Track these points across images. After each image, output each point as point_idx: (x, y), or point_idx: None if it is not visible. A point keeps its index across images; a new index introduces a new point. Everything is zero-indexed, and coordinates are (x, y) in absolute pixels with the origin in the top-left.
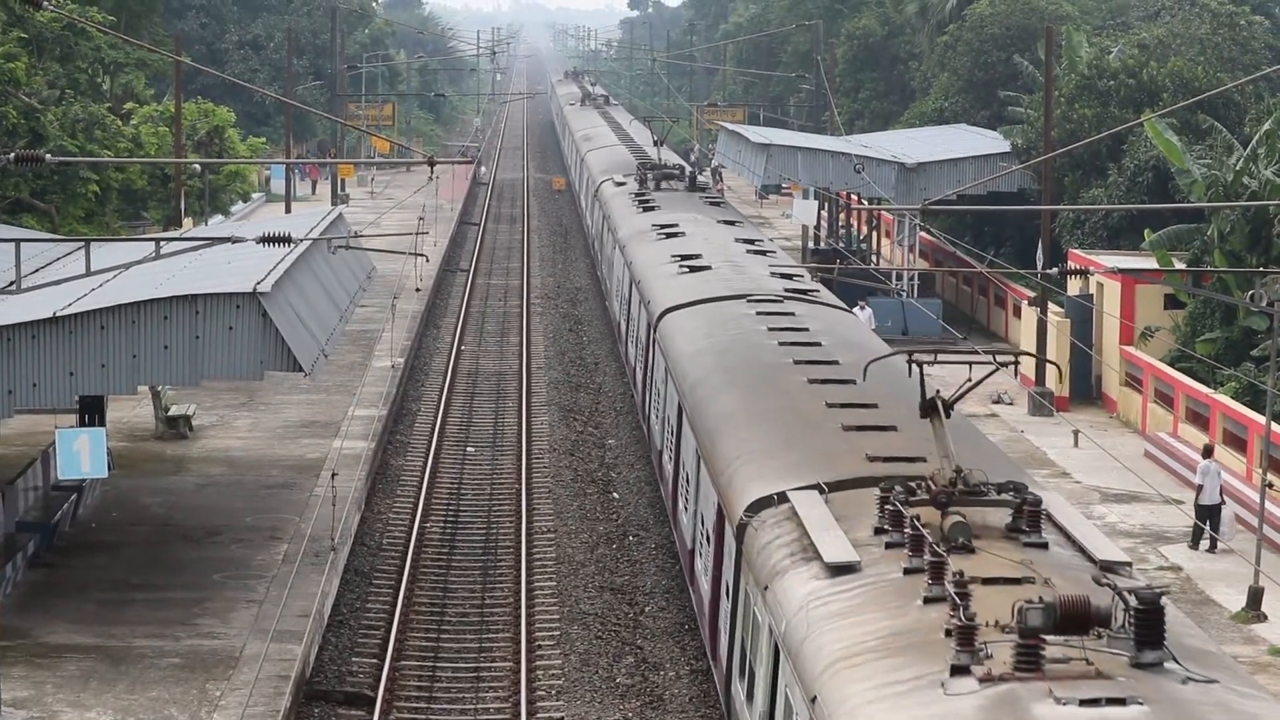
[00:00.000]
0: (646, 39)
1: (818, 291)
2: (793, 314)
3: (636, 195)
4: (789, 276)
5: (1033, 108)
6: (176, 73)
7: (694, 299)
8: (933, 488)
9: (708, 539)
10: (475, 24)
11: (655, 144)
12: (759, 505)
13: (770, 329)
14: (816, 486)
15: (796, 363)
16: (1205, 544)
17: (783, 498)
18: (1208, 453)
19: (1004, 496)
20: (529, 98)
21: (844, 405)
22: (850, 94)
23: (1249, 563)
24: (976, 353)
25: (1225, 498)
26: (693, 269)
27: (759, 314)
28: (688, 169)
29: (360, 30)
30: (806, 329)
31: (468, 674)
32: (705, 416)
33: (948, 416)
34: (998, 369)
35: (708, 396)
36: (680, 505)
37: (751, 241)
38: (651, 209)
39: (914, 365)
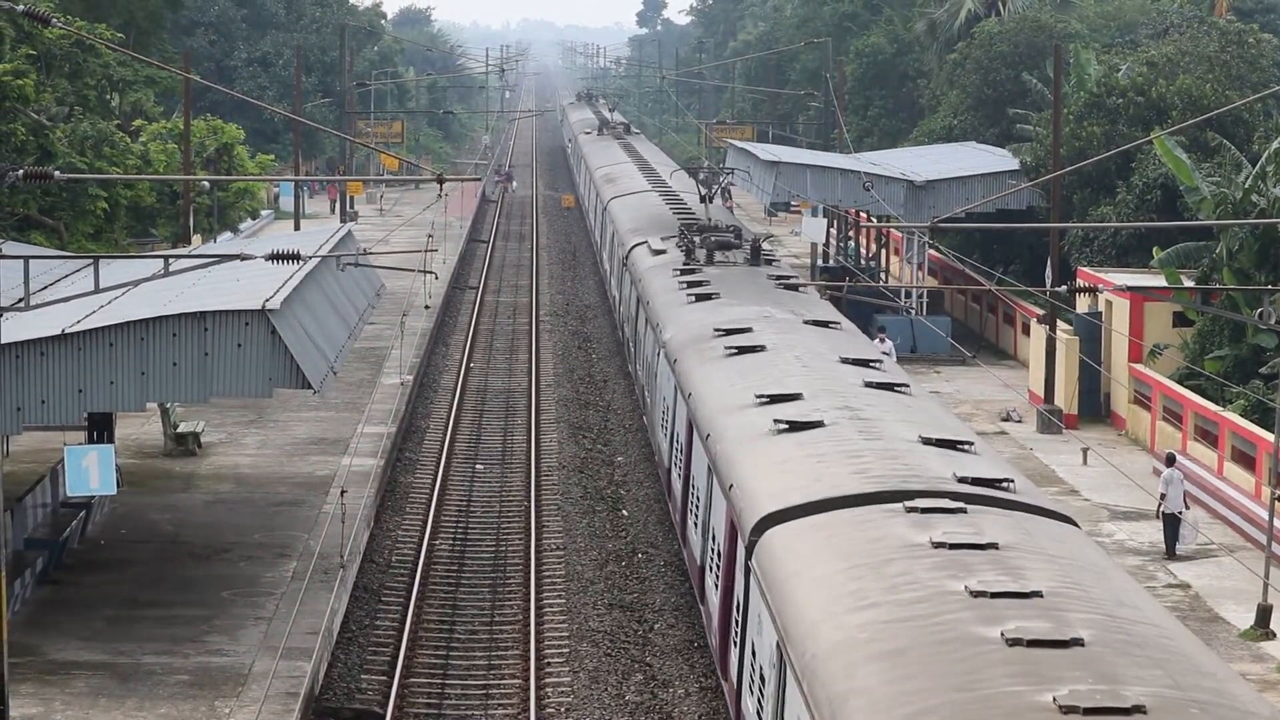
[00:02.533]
0: (655, 57)
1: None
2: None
3: (683, 272)
4: (955, 444)
5: (1041, 125)
6: (185, 90)
7: (810, 501)
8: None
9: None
10: (484, 41)
11: (703, 199)
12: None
13: (973, 594)
14: None
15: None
16: (1181, 548)
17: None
18: (1170, 461)
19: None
20: (538, 115)
21: None
22: (859, 111)
23: (1256, 575)
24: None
25: (1188, 503)
26: (793, 425)
27: (935, 548)
28: (746, 233)
29: (369, 48)
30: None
31: (477, 691)
32: None
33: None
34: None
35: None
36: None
37: (866, 363)
38: (707, 297)
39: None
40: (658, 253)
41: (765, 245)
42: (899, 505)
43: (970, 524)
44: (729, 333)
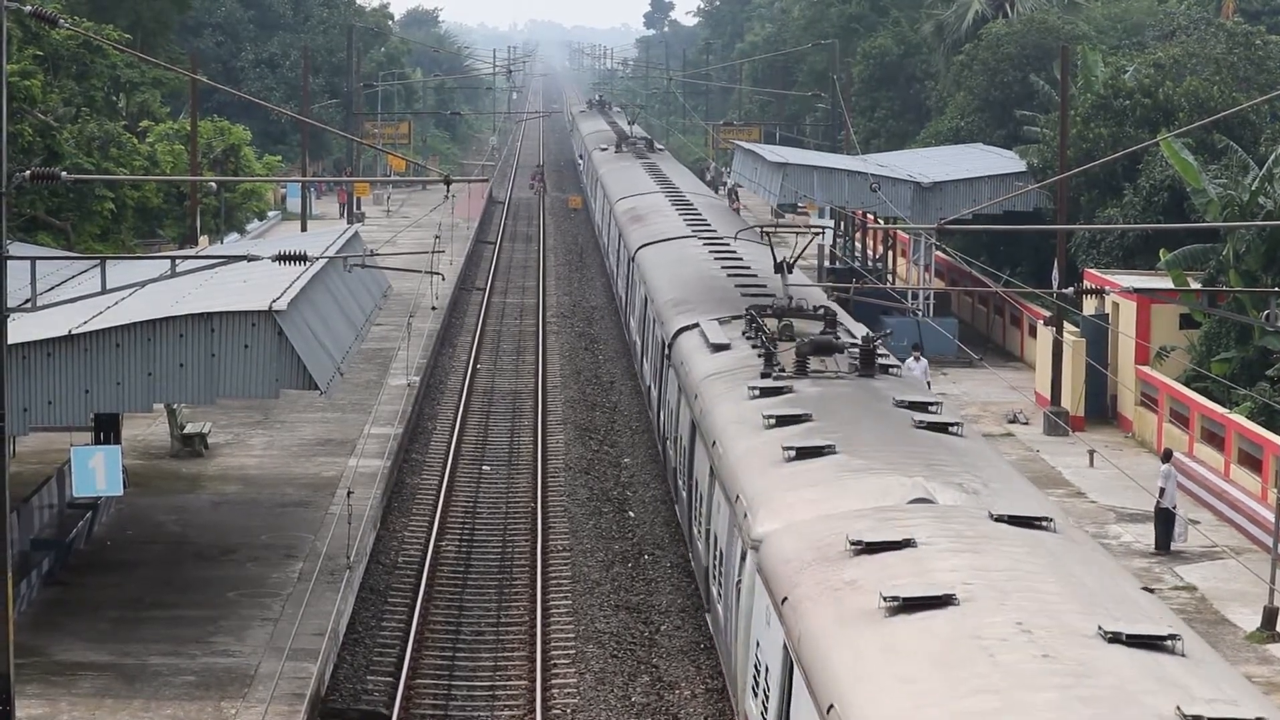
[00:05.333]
0: (663, 58)
1: None
2: None
3: (765, 393)
4: (1154, 642)
5: (1048, 127)
6: (192, 91)
7: None
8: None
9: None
10: (491, 43)
11: (780, 268)
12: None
13: None
14: None
15: None
16: (1175, 544)
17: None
18: (1167, 457)
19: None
20: (545, 116)
21: None
22: (866, 113)
23: (1262, 578)
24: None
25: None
26: None
27: None
28: (845, 322)
29: (376, 49)
30: None
31: (483, 692)
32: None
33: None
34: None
35: None
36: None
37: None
38: (816, 452)
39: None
40: (718, 348)
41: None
42: None
43: None
44: (868, 548)
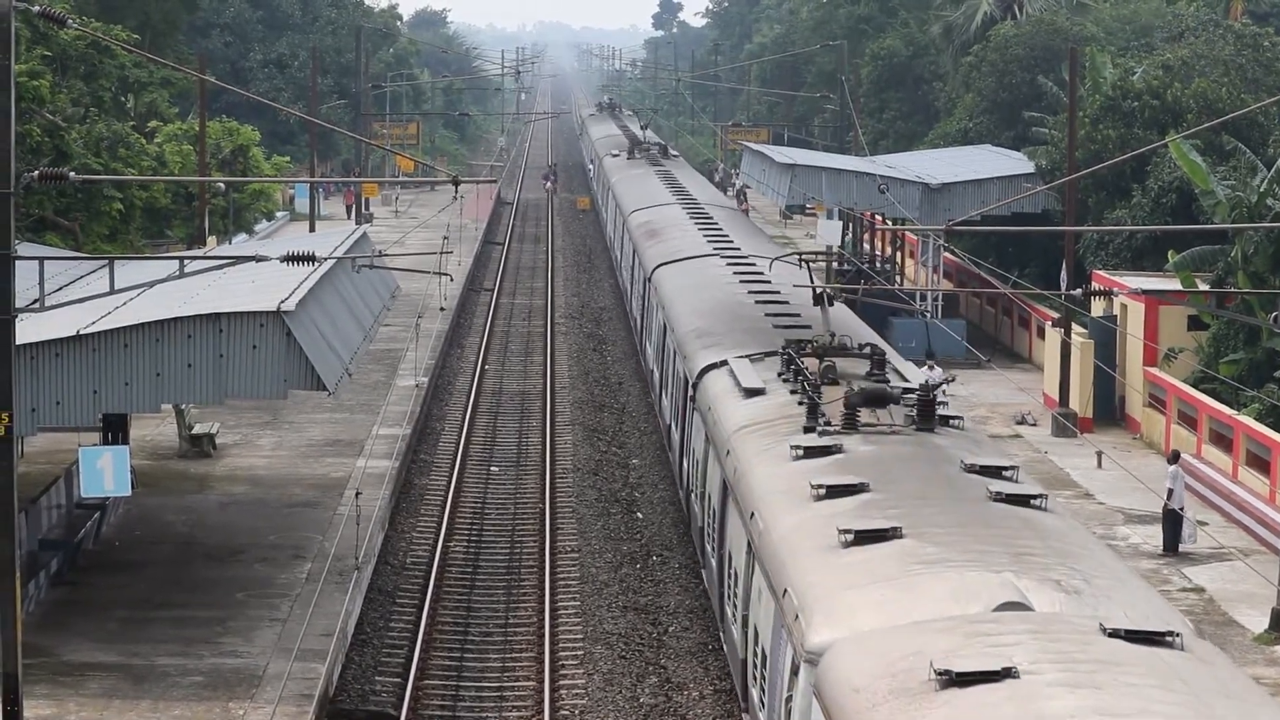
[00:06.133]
0: (671, 59)
1: None
2: None
3: (810, 453)
4: None
5: (1057, 129)
6: (200, 91)
7: None
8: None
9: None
10: (500, 43)
11: (820, 300)
12: None
13: None
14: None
15: None
16: (1184, 545)
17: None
18: (1174, 458)
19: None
20: (553, 117)
21: None
22: (875, 114)
23: (1270, 579)
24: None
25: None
26: None
27: None
28: (895, 363)
29: (385, 49)
30: None
31: (491, 693)
32: None
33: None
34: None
35: None
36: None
37: None
38: (879, 536)
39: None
40: (751, 392)
41: (940, 389)
42: None
43: None
44: (968, 680)
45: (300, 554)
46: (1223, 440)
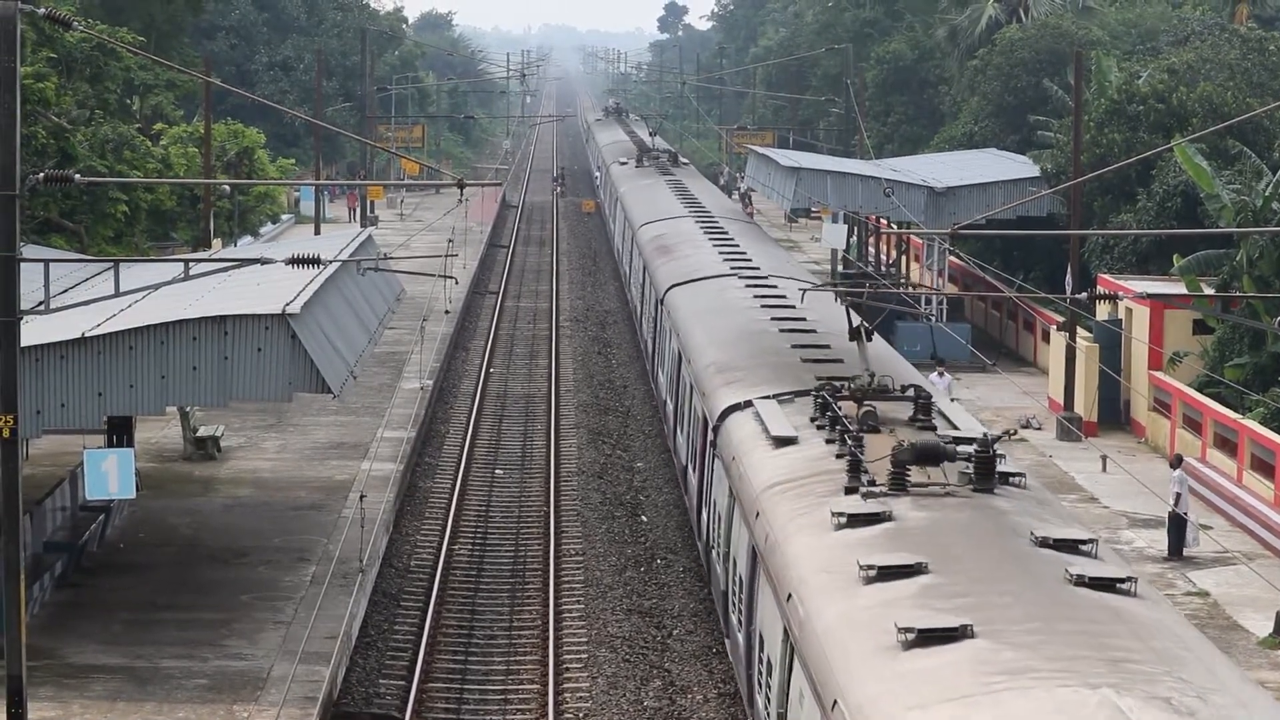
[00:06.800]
0: (676, 62)
1: None
2: None
3: (854, 521)
4: None
5: (1062, 132)
6: (206, 94)
7: None
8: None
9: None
10: (505, 46)
11: (857, 335)
12: None
13: None
14: None
15: None
16: (1187, 549)
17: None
18: (1177, 462)
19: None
20: (559, 120)
21: None
22: (880, 118)
23: (1275, 584)
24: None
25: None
26: None
27: None
28: (943, 408)
29: (390, 52)
30: None
31: (495, 696)
32: None
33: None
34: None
35: None
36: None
37: None
38: (945, 636)
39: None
40: (782, 442)
41: (998, 445)
42: None
43: None
44: None
45: (305, 556)
46: (1227, 444)
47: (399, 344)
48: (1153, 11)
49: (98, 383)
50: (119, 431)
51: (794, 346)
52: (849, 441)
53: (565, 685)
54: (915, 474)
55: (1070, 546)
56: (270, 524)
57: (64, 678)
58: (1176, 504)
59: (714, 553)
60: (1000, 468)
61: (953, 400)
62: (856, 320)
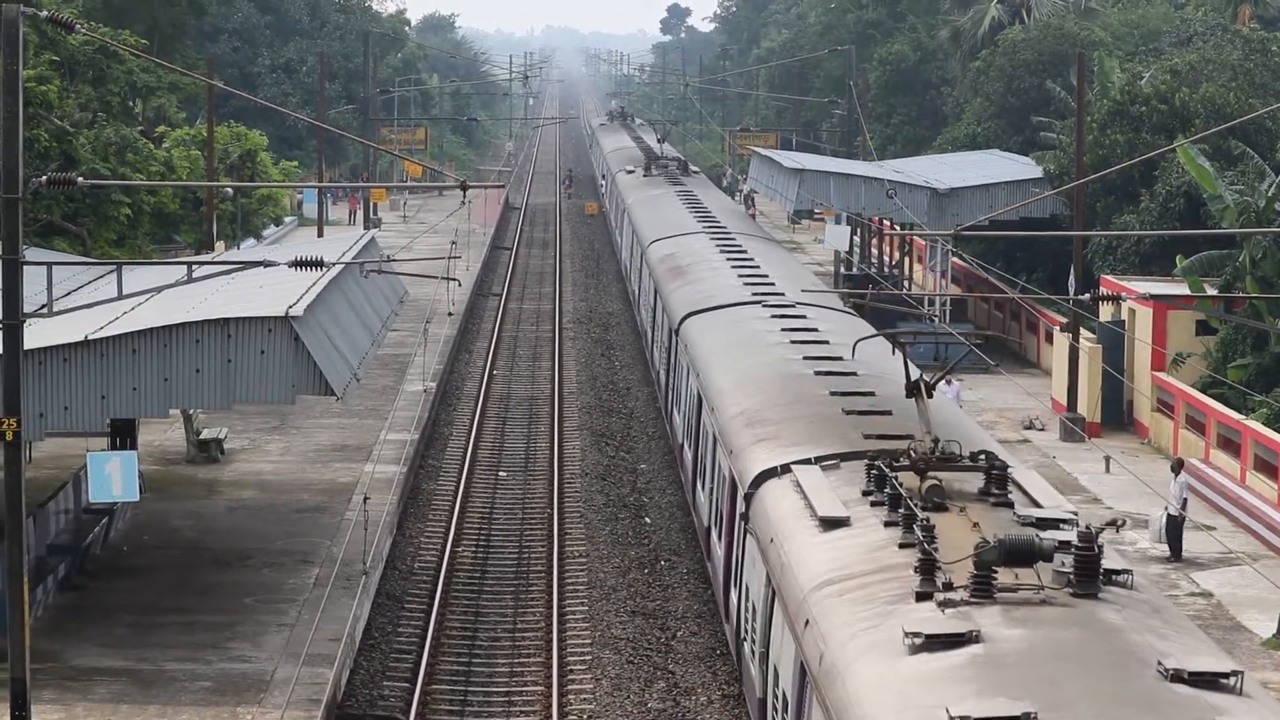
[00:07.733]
0: (679, 64)
1: None
2: None
3: (930, 639)
4: None
5: (1065, 133)
6: (209, 96)
7: None
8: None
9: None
10: (508, 48)
11: (916, 390)
12: None
13: None
14: None
15: None
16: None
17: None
18: (1178, 466)
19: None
20: (562, 122)
21: None
22: (883, 119)
23: (1278, 586)
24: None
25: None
26: None
27: None
28: (1022, 481)
29: (393, 54)
30: None
31: (499, 698)
32: None
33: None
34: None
35: None
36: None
37: None
38: None
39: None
40: (832, 524)
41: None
42: None
43: None
44: None
45: (308, 559)
46: (1230, 445)
47: (402, 346)
48: (1155, 12)
49: (101, 385)
50: (122, 434)
51: (833, 394)
52: (917, 530)
53: (569, 687)
54: (1004, 578)
55: (1211, 682)
56: (274, 526)
57: (67, 680)
58: (1184, 508)
59: (746, 646)
60: (1106, 565)
61: (960, 406)
62: (915, 373)
